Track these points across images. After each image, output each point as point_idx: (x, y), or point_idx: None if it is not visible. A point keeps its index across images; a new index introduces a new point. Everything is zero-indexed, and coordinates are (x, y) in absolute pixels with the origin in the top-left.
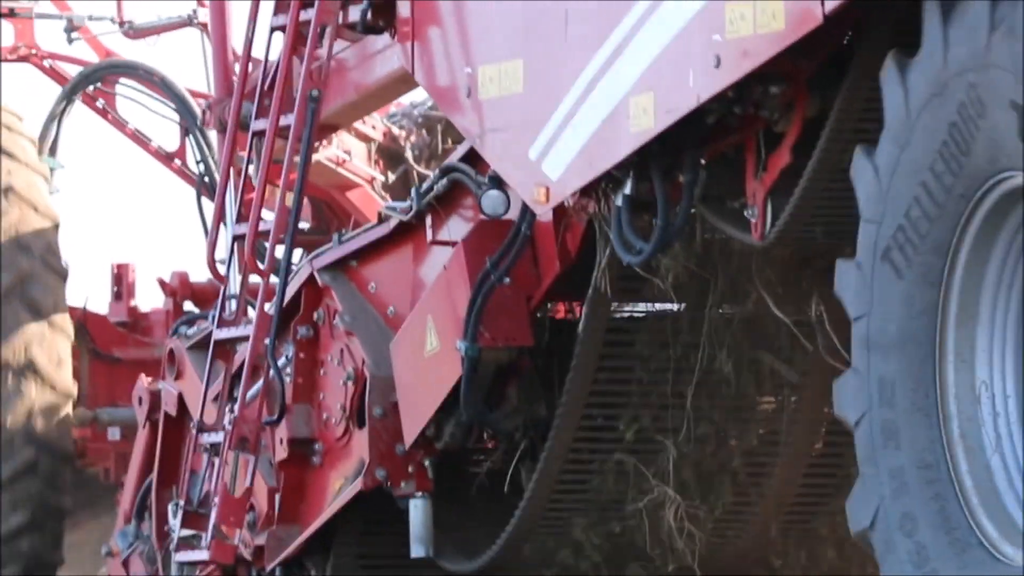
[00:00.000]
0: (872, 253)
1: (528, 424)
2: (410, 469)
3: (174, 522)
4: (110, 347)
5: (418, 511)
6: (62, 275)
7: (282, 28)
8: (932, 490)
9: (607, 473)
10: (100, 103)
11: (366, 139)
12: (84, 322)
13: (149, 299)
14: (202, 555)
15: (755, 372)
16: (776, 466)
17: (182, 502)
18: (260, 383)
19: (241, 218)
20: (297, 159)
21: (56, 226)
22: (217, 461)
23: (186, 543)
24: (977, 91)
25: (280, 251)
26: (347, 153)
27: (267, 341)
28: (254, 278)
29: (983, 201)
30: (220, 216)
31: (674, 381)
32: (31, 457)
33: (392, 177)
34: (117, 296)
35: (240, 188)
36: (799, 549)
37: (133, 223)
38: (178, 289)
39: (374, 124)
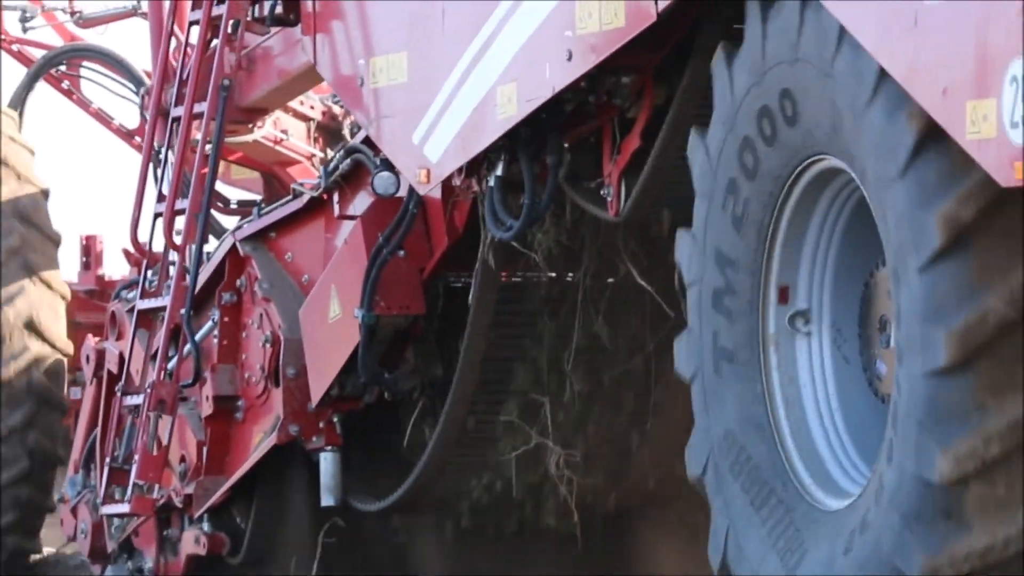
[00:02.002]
0: (704, 226)
1: (425, 384)
2: (321, 425)
3: (103, 478)
4: (72, 312)
5: (328, 464)
6: (55, 241)
7: (198, 22)
8: (757, 438)
9: (500, 428)
10: (65, 84)
11: (304, 119)
12: None
13: (118, 268)
14: (123, 508)
15: (628, 334)
16: (650, 420)
17: (108, 459)
18: (180, 348)
19: (161, 196)
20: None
21: (46, 194)
22: (138, 421)
23: (112, 497)
24: (789, 82)
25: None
26: (284, 132)
27: (183, 311)
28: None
29: (797, 182)
30: (142, 194)
31: (556, 343)
32: (32, 410)
33: (331, 153)
34: (86, 266)
35: (162, 168)
36: (676, 496)
37: (101, 197)
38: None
39: (312, 104)
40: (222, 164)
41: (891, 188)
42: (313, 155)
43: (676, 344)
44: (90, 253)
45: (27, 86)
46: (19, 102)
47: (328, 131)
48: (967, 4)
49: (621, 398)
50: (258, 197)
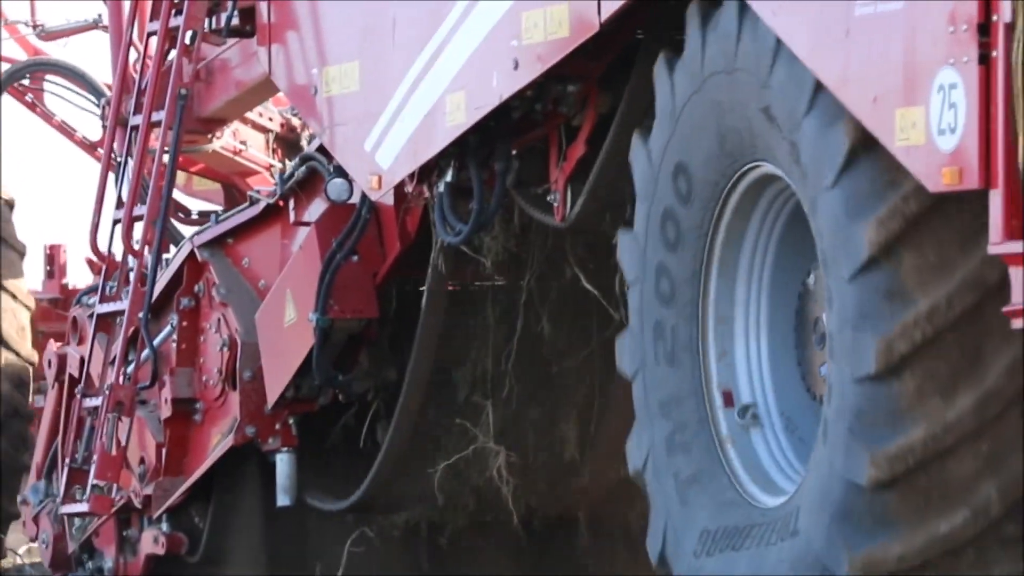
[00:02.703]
0: (645, 228)
1: (379, 386)
2: (277, 427)
3: (62, 478)
4: (36, 322)
5: (284, 465)
6: (21, 252)
7: (156, 33)
8: (733, 512)
9: (452, 429)
10: (29, 97)
11: (263, 130)
12: None
13: (82, 278)
14: (82, 507)
15: (574, 337)
16: (595, 421)
17: (68, 460)
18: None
19: (120, 203)
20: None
21: (12, 206)
22: (97, 423)
23: (71, 497)
24: (727, 91)
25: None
26: (243, 143)
27: (141, 315)
28: None
29: (736, 186)
30: (101, 201)
31: (505, 346)
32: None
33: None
34: (50, 275)
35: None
36: (620, 497)
37: (66, 207)
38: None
39: (271, 116)
40: (183, 176)
41: (824, 196)
42: (272, 165)
43: (648, 539)
44: (54, 263)
45: None
46: None
47: (286, 142)
48: (896, 15)
49: (567, 400)
50: (219, 208)
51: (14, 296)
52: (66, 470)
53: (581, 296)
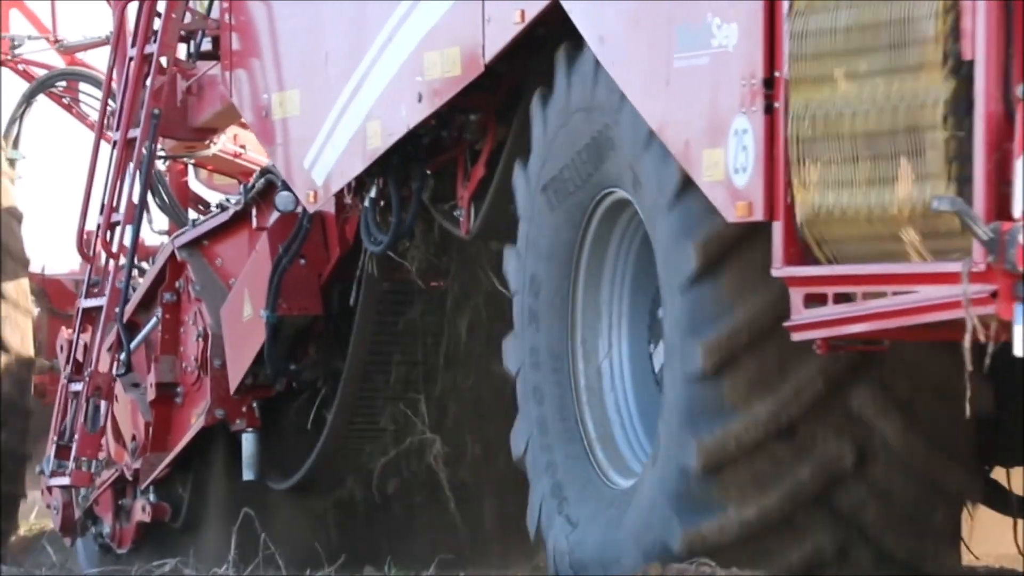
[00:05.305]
0: (524, 246)
1: (327, 375)
2: (243, 409)
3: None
4: (64, 306)
5: (249, 443)
6: (24, 264)
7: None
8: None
9: (387, 416)
10: (66, 99)
11: None
12: (43, 286)
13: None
14: (65, 480)
15: (491, 337)
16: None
17: (55, 437)
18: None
19: (102, 209)
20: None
21: (20, 220)
22: (79, 405)
23: (60, 471)
24: (586, 124)
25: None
26: (242, 147)
27: (118, 309)
28: None
29: (597, 209)
30: (87, 206)
31: (430, 345)
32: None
33: None
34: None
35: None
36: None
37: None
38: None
39: None
40: (205, 172)
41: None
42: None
43: (528, 517)
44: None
45: (24, 102)
46: (18, 119)
47: None
48: (703, 69)
49: (486, 393)
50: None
51: (16, 304)
52: (54, 446)
53: (497, 299)
